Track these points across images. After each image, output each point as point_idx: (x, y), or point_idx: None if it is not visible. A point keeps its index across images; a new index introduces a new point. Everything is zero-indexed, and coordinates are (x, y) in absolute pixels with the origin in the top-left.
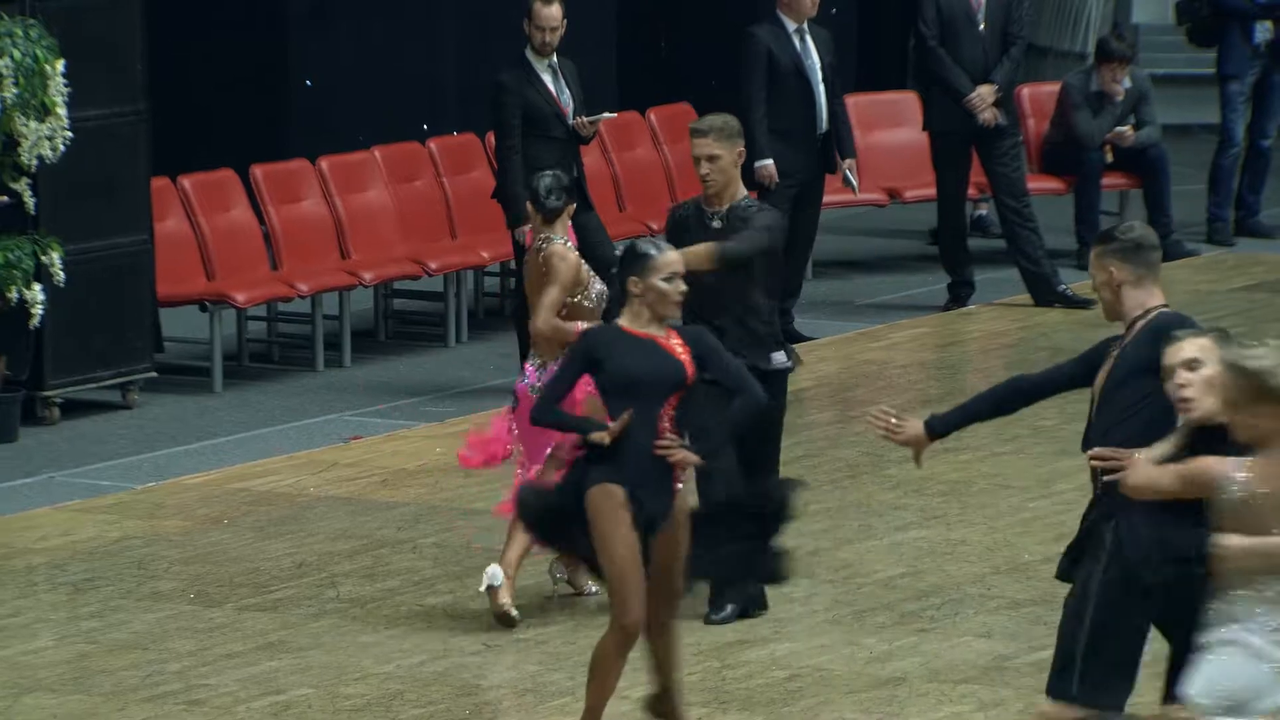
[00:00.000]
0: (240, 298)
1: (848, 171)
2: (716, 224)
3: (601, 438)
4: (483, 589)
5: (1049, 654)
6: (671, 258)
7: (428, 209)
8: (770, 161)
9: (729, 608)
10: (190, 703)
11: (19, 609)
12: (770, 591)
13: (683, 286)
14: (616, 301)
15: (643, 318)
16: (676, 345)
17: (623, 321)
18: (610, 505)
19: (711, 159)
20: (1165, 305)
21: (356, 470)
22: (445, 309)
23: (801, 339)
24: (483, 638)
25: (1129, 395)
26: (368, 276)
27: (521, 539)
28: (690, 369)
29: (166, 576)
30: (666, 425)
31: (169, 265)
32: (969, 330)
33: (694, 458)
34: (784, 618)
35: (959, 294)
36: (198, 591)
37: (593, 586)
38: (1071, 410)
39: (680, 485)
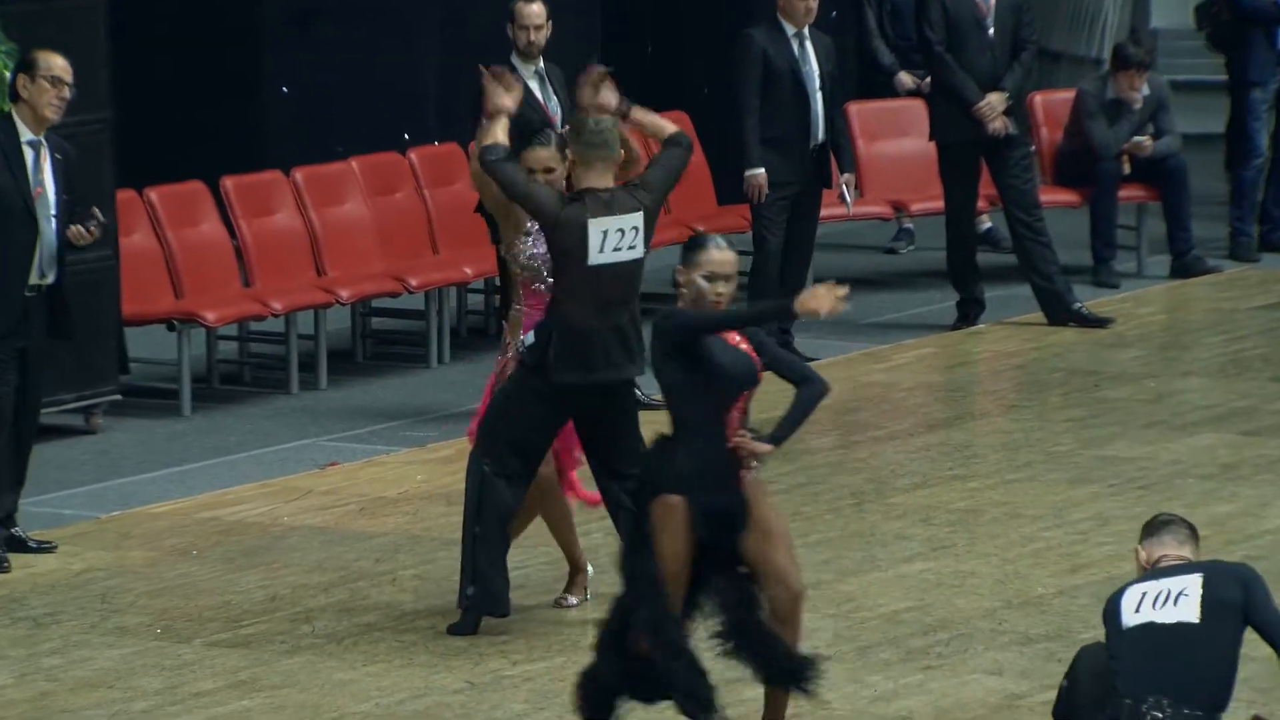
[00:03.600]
0: (210, 316)
1: (844, 187)
2: None
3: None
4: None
5: None
6: (717, 257)
7: (408, 223)
8: (761, 171)
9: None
10: None
11: None
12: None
13: (721, 289)
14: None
15: (693, 300)
16: (739, 340)
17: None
18: (668, 520)
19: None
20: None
21: (332, 498)
22: (426, 328)
23: (802, 359)
24: (466, 675)
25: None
26: (345, 294)
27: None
28: (760, 365)
29: (132, 610)
30: (736, 422)
31: (135, 282)
32: (978, 350)
33: (764, 447)
34: None
35: (968, 312)
36: (165, 626)
37: (571, 599)
38: (1087, 437)
39: (749, 472)
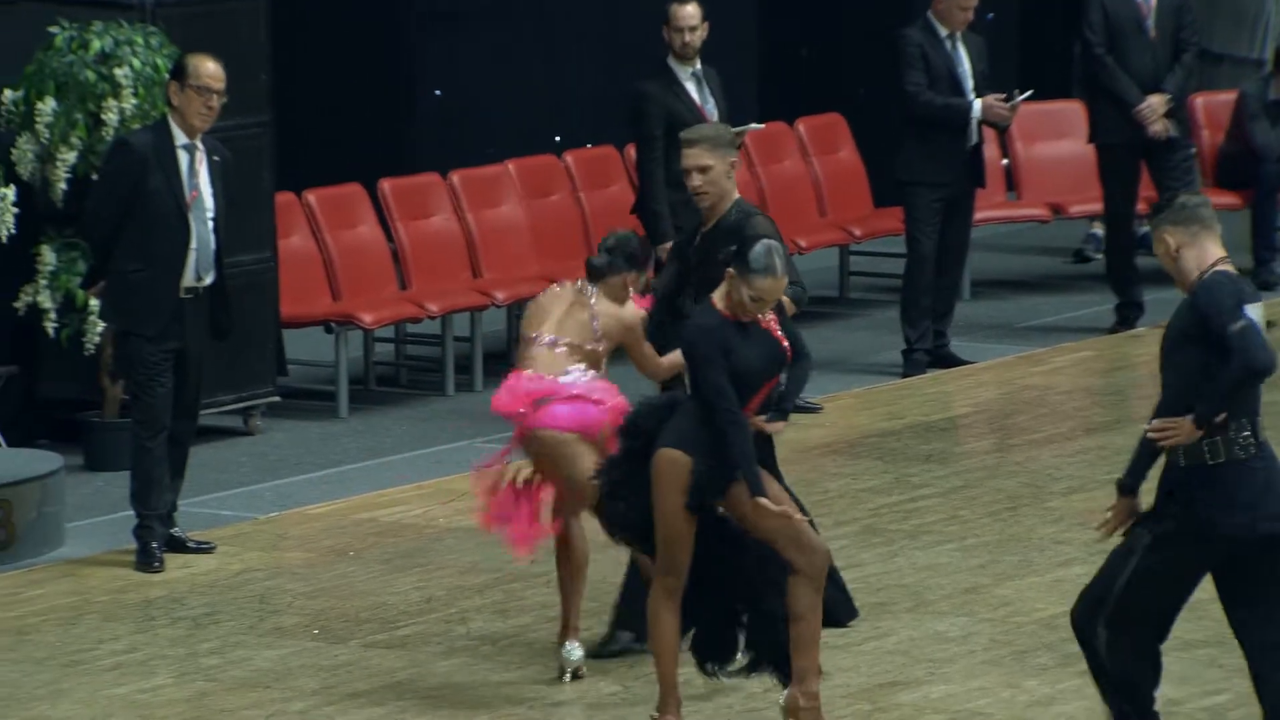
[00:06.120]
0: (367, 318)
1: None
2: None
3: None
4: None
5: (1224, 699)
6: (769, 285)
7: (563, 225)
8: (978, 103)
9: (623, 636)
10: None
11: (136, 645)
12: (926, 631)
13: (763, 310)
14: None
15: (733, 303)
16: (773, 323)
17: (718, 302)
18: (673, 472)
19: (704, 170)
20: (1221, 260)
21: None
22: None
23: (957, 363)
24: (621, 678)
25: (1179, 361)
26: (500, 296)
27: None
28: (788, 349)
29: (289, 611)
30: (756, 405)
31: (293, 284)
32: (1137, 354)
33: (777, 425)
34: (939, 658)
35: (1126, 315)
36: (322, 627)
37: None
38: None
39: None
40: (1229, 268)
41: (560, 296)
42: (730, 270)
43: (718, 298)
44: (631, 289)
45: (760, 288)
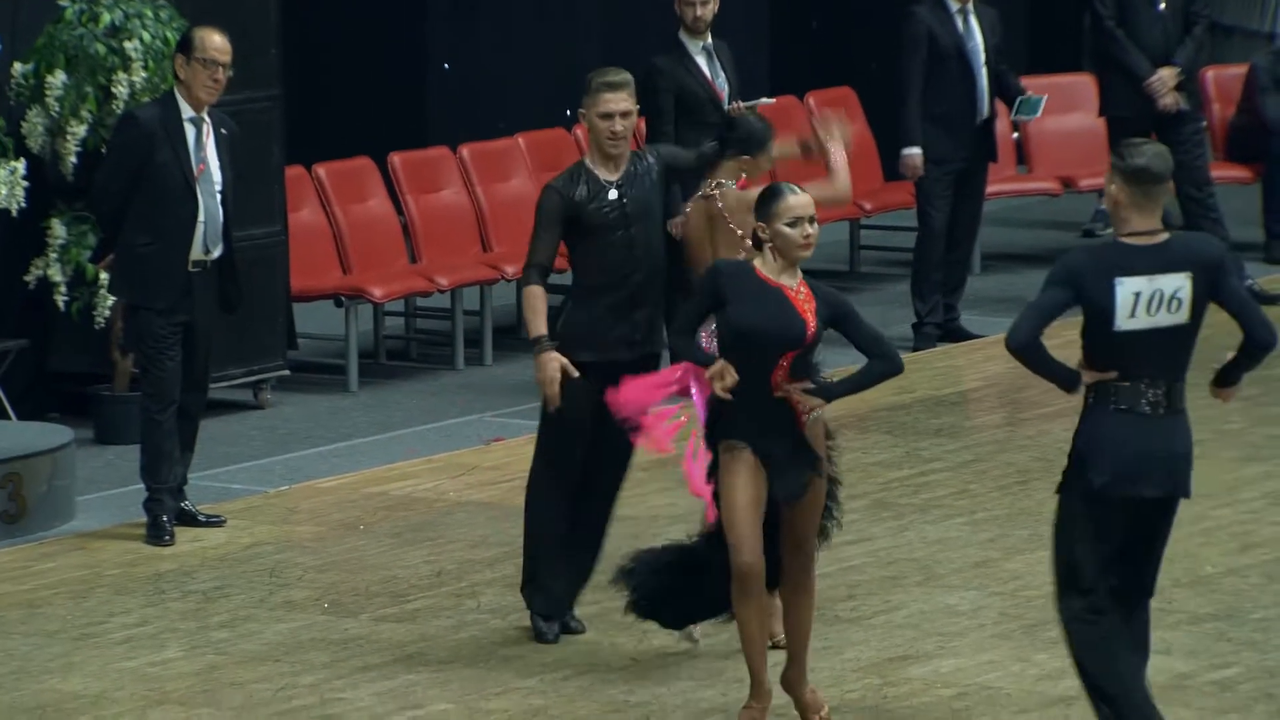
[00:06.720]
0: (377, 292)
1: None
2: (614, 194)
3: (718, 385)
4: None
5: (1233, 672)
6: (796, 201)
7: None
8: (918, 150)
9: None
10: (324, 717)
11: (147, 618)
12: (936, 605)
13: (809, 230)
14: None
15: (775, 264)
16: (805, 301)
17: (756, 263)
18: (732, 464)
19: (626, 115)
20: (1140, 235)
21: (498, 474)
22: None
23: (968, 336)
24: (630, 651)
25: None
26: (511, 270)
27: None
28: (812, 329)
29: (299, 585)
30: (781, 377)
31: (303, 258)
32: None
33: (815, 401)
34: (949, 632)
35: None
36: (332, 601)
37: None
38: (1259, 414)
39: (808, 418)
40: (1141, 240)
41: (697, 215)
42: (760, 225)
43: (758, 262)
44: (744, 173)
45: (791, 206)
